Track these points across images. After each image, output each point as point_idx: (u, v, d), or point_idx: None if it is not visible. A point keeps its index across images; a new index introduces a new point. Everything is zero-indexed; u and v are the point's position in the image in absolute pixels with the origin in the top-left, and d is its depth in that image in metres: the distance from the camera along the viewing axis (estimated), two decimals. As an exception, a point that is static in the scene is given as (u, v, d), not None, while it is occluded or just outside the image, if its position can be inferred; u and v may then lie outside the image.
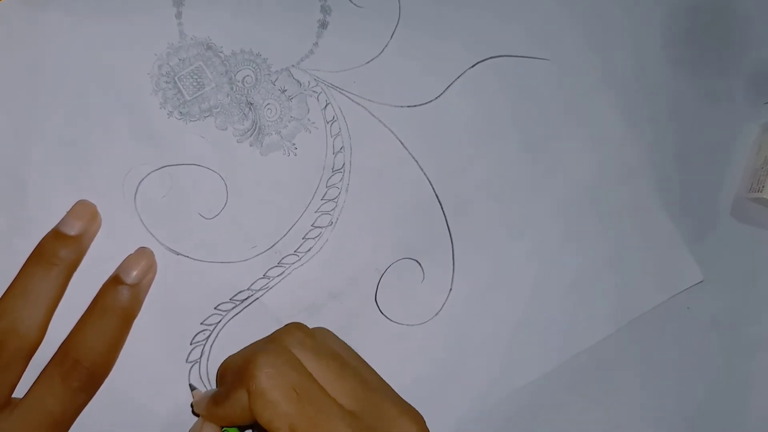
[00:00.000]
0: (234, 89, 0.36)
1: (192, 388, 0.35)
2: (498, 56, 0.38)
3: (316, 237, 0.36)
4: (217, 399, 0.32)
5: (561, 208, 0.39)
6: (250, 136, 0.36)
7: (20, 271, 0.33)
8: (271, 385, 0.30)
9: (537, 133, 0.38)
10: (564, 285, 0.38)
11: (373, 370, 0.34)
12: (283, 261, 0.36)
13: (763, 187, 0.39)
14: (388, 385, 0.33)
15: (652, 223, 0.39)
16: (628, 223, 0.39)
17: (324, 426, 0.30)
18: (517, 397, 0.38)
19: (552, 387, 0.38)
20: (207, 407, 0.33)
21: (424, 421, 0.32)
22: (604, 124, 0.39)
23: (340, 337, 0.35)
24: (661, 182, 0.40)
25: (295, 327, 0.33)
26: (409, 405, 0.33)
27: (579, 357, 0.38)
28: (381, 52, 0.37)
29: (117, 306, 0.34)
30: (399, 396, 0.33)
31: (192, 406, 0.35)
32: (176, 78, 0.35)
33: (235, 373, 0.32)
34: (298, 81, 0.36)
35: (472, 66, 0.38)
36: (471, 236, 0.38)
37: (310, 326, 0.36)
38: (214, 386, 0.36)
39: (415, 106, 0.37)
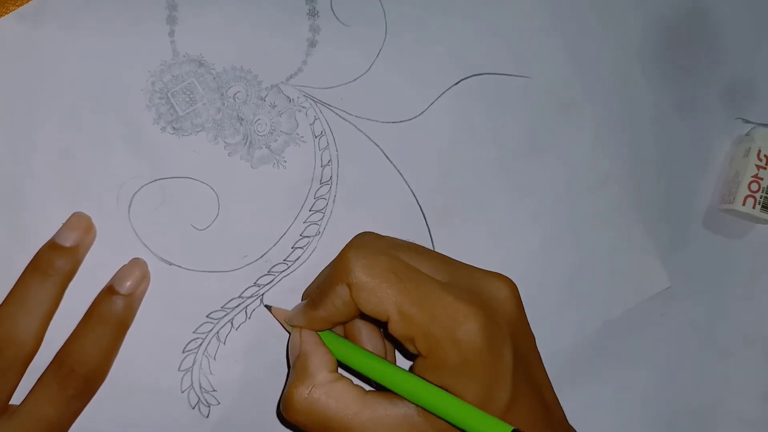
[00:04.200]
0: (225, 105, 0.36)
1: (268, 307, 0.36)
2: (480, 74, 0.39)
3: (304, 246, 0.37)
4: (315, 303, 0.32)
5: (538, 217, 0.39)
6: (241, 149, 0.37)
7: (17, 281, 0.34)
8: (370, 273, 0.30)
9: (516, 146, 0.39)
10: (540, 291, 0.39)
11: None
12: (273, 269, 0.37)
13: (734, 198, 0.40)
14: None
15: (624, 231, 0.40)
16: (601, 231, 0.40)
17: (428, 300, 0.30)
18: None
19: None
20: (305, 314, 0.33)
21: (515, 285, 0.32)
22: (581, 136, 0.40)
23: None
24: (636, 192, 0.40)
25: (363, 232, 0.33)
26: (497, 272, 0.33)
27: (554, 359, 0.38)
28: (368, 70, 0.37)
29: (111, 315, 0.34)
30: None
31: (281, 323, 0.35)
32: (169, 94, 0.36)
33: (327, 275, 0.32)
34: (287, 97, 0.37)
35: (456, 83, 0.38)
36: (452, 245, 0.38)
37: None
38: (209, 392, 0.36)
39: (400, 122, 0.38)
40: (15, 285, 0.34)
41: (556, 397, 0.34)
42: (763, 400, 0.42)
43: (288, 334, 0.36)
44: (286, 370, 0.37)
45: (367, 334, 0.35)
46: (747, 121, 0.41)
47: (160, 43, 0.36)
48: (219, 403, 0.36)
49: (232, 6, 0.36)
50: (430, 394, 0.30)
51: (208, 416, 0.36)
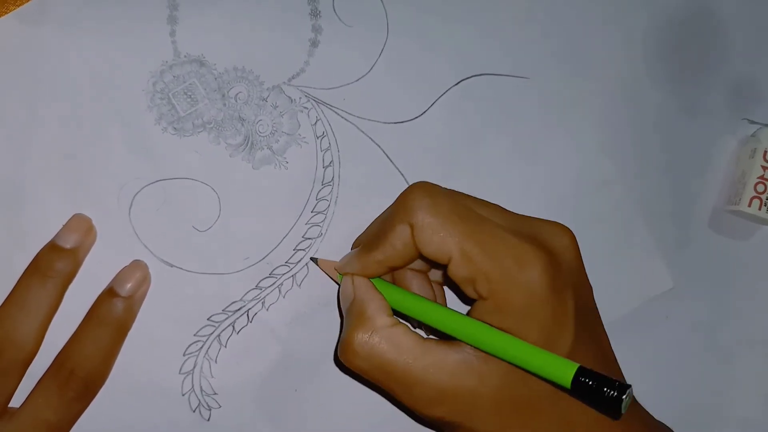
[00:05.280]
0: (227, 105, 0.36)
1: (315, 260, 0.36)
2: (480, 74, 0.39)
3: (306, 248, 0.37)
4: (371, 246, 0.32)
5: (540, 217, 0.39)
6: (243, 150, 0.37)
7: (17, 282, 0.34)
8: (433, 213, 0.30)
9: (516, 146, 0.39)
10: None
11: None
12: (274, 272, 0.37)
13: (740, 199, 0.40)
14: None
15: (628, 232, 0.40)
16: (605, 231, 0.40)
17: (492, 241, 0.30)
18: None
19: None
20: (360, 259, 0.33)
21: (574, 235, 0.32)
22: (584, 136, 0.40)
23: (331, 343, 0.36)
24: (641, 194, 0.40)
25: (421, 181, 0.33)
26: (556, 221, 0.33)
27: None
28: (369, 71, 0.37)
29: (112, 318, 0.34)
30: None
31: (329, 276, 0.36)
32: (170, 94, 0.36)
33: (386, 218, 0.32)
34: (289, 97, 0.37)
35: (456, 83, 0.38)
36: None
37: (304, 334, 0.37)
38: (210, 395, 0.36)
39: (401, 122, 0.38)
40: (15, 286, 0.34)
41: (613, 352, 0.33)
42: (767, 403, 0.42)
43: (337, 285, 0.35)
44: (287, 373, 0.37)
45: (417, 284, 0.35)
46: (753, 122, 0.41)
47: (161, 43, 0.36)
48: (220, 407, 0.36)
49: (234, 6, 0.36)
50: (492, 337, 0.29)
51: (209, 419, 0.36)
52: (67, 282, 0.34)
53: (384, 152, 0.38)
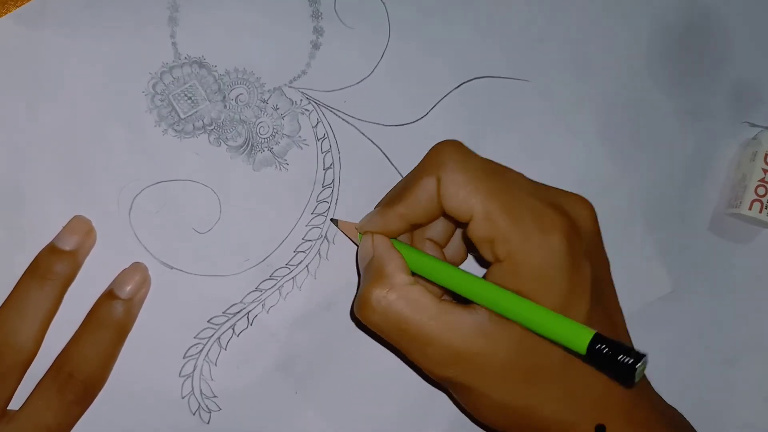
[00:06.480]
0: (227, 107, 0.36)
1: (335, 221, 0.36)
2: (482, 77, 0.39)
3: (306, 250, 0.37)
4: (395, 200, 0.32)
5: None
6: (243, 152, 0.36)
7: (16, 285, 0.33)
8: (461, 168, 0.30)
9: (517, 149, 0.39)
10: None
11: None
12: (275, 274, 0.37)
13: (740, 202, 0.40)
14: None
15: (628, 235, 0.40)
16: (605, 234, 0.39)
17: (515, 202, 0.30)
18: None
19: None
20: (382, 215, 0.33)
21: (594, 208, 0.32)
22: (584, 139, 0.40)
23: (331, 346, 0.36)
24: (641, 196, 0.40)
25: (449, 139, 0.32)
26: (577, 193, 0.33)
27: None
28: (371, 73, 0.37)
29: (111, 320, 0.34)
30: None
31: (349, 237, 0.36)
32: (171, 96, 0.36)
33: (413, 172, 0.32)
34: (290, 99, 0.37)
35: (457, 86, 0.38)
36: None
37: (305, 336, 0.37)
38: (210, 398, 0.36)
39: (402, 124, 0.38)
40: (14, 289, 0.34)
41: (628, 331, 0.34)
42: (768, 406, 0.42)
43: (356, 247, 0.35)
44: (288, 377, 0.37)
45: (432, 249, 0.35)
46: (754, 125, 0.41)
47: (162, 44, 0.36)
48: (220, 410, 0.36)
49: (235, 7, 0.36)
50: (508, 300, 0.29)
51: (208, 422, 0.36)
52: (67, 284, 0.34)
53: (385, 154, 0.38)
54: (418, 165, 0.33)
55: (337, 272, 0.37)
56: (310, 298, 0.37)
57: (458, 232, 0.36)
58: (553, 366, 0.30)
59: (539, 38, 0.39)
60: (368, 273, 0.32)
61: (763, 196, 0.40)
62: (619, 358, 0.27)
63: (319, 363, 0.37)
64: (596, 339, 0.28)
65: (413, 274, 0.32)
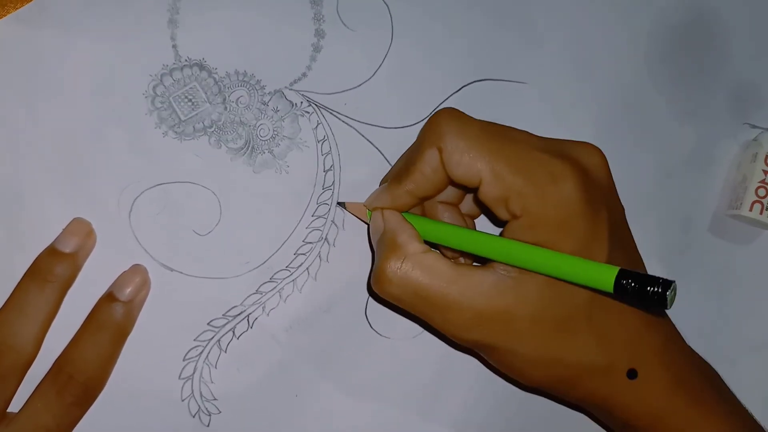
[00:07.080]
0: (228, 109, 0.36)
1: (342, 204, 0.36)
2: (482, 80, 0.39)
3: (307, 252, 0.37)
4: (401, 176, 0.32)
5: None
6: (244, 154, 0.36)
7: (16, 287, 0.33)
8: (462, 135, 0.30)
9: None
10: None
11: None
12: (275, 276, 0.37)
13: (741, 204, 0.40)
14: None
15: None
16: None
17: (523, 158, 0.30)
18: (505, 408, 0.39)
19: (539, 395, 0.39)
20: (389, 191, 0.32)
21: (604, 154, 0.32)
22: (584, 140, 0.39)
23: (331, 349, 0.36)
24: (641, 198, 0.40)
25: (446, 107, 0.32)
26: (586, 141, 0.32)
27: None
28: (372, 76, 0.37)
29: (111, 322, 0.34)
30: None
31: (358, 218, 0.36)
32: (171, 98, 0.36)
33: (414, 146, 0.31)
34: (290, 102, 0.37)
35: (458, 90, 0.38)
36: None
37: (305, 339, 0.37)
38: (210, 401, 0.36)
39: (402, 127, 0.38)
40: (14, 291, 0.33)
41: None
42: (769, 408, 0.42)
43: (366, 225, 0.35)
44: (287, 378, 0.37)
45: (449, 216, 0.34)
46: (754, 126, 0.41)
47: (162, 46, 0.36)
48: (220, 412, 0.36)
49: (235, 9, 0.36)
50: (530, 252, 0.29)
51: (208, 425, 0.36)
52: (67, 286, 0.34)
53: (384, 157, 0.38)
54: (417, 138, 0.32)
55: (337, 275, 0.37)
56: (310, 301, 0.37)
57: (469, 195, 0.36)
58: (580, 313, 0.30)
59: (539, 40, 0.39)
60: (381, 246, 0.31)
61: (764, 197, 0.40)
62: (647, 289, 0.27)
63: (320, 366, 0.37)
64: (622, 274, 0.27)
65: (429, 244, 0.32)
